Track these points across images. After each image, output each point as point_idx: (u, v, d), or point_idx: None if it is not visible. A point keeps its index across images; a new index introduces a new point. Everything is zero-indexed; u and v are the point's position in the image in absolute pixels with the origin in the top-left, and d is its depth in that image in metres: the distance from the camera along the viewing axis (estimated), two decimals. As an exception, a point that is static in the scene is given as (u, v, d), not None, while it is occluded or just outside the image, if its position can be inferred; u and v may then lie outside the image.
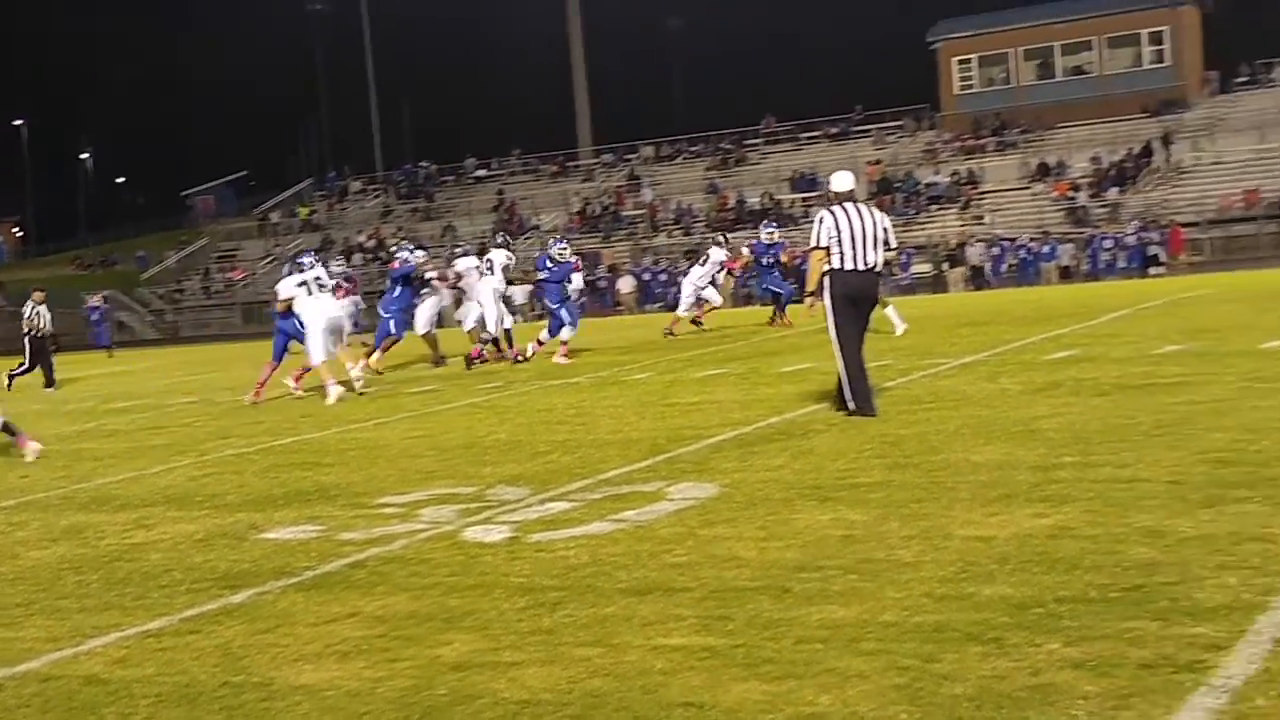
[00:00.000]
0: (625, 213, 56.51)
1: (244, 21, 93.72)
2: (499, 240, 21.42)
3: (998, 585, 5.08)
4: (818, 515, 6.64)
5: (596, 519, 7.00)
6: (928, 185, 50.75)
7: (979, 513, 6.38)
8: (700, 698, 4.14)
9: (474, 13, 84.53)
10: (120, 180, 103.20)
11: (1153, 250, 41.12)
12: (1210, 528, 5.70)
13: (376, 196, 67.83)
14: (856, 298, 10.10)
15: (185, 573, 6.58)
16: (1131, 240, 41.93)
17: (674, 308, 26.55)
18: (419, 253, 20.71)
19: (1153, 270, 40.22)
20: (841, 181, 10.40)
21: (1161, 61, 53.32)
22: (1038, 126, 52.63)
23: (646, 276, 47.81)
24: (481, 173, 66.59)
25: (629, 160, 62.95)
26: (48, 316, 23.59)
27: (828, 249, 10.02)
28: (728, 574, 5.61)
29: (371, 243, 59.38)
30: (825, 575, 5.45)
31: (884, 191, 49.99)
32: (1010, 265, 42.77)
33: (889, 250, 10.32)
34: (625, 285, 47.21)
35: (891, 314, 18.24)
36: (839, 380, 10.15)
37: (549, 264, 19.20)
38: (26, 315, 23.58)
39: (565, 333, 18.83)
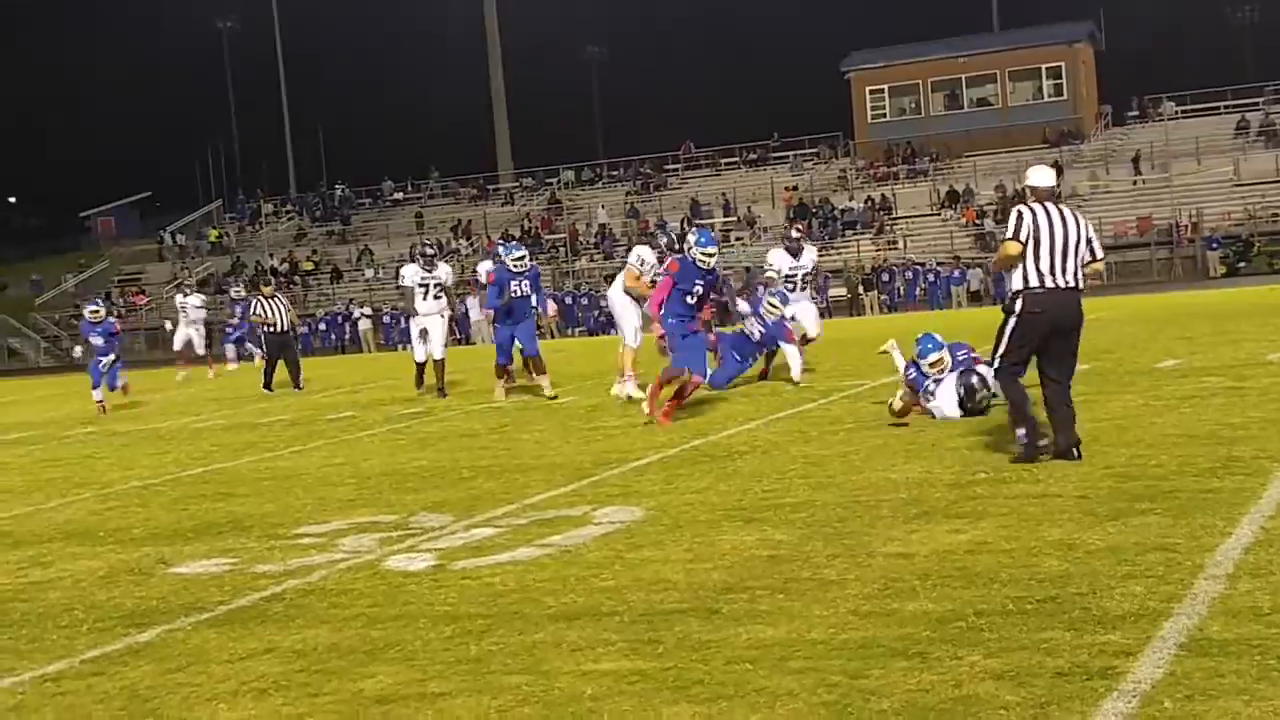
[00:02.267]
0: (547, 236, 56.50)
1: (150, 37, 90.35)
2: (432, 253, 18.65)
3: (920, 601, 5.20)
4: (744, 536, 6.71)
5: (522, 544, 6.97)
6: (843, 211, 51.46)
7: (900, 530, 6.51)
8: (632, 720, 4.17)
9: (392, 34, 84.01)
10: (11, 200, 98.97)
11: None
12: (1117, 539, 5.88)
13: (290, 219, 66.83)
14: (1056, 326, 8.09)
15: (87, 611, 6.27)
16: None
17: (595, 331, 25.20)
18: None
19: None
20: (1042, 176, 8.39)
21: (1060, 95, 55.15)
22: (946, 155, 53.74)
23: (568, 300, 47.79)
24: (399, 195, 66.07)
25: (549, 184, 62.92)
26: (282, 311, 21.16)
27: (1024, 246, 8.04)
28: (656, 597, 5.64)
29: (285, 266, 58.68)
30: (752, 595, 5.52)
31: (800, 217, 50.53)
32: (922, 289, 43.47)
33: (1094, 262, 8.33)
34: (548, 309, 47.09)
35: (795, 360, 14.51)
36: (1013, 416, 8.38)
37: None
38: (253, 311, 21.61)
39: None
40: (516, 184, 64.89)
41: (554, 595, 5.84)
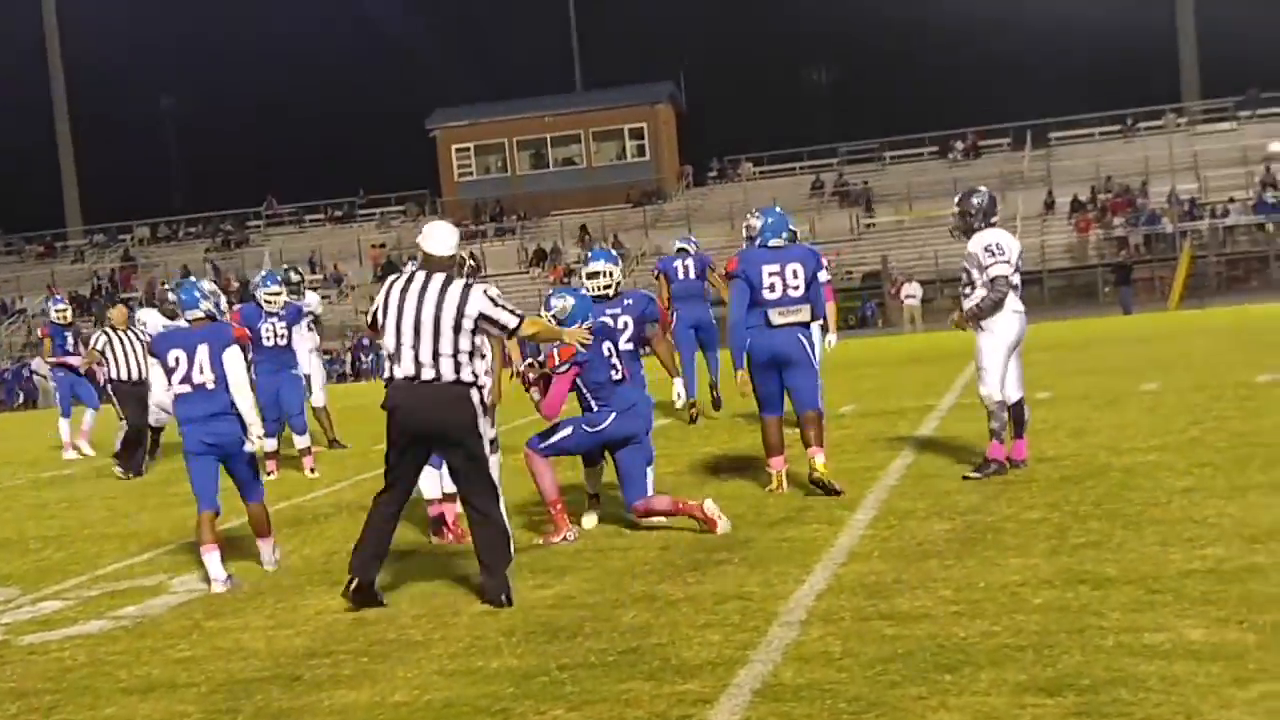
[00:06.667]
0: (124, 296, 53.89)
1: None
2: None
3: (504, 657, 5.28)
4: (328, 600, 6.63)
5: (94, 617, 6.72)
6: (431, 269, 51.65)
7: (486, 588, 6.57)
8: (209, 794, 4.06)
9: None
10: None
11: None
12: (696, 590, 6.14)
13: None
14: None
15: None
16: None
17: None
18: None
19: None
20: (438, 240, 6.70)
21: (642, 155, 57.46)
22: (534, 213, 54.97)
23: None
24: (-42, 252, 61.79)
25: (122, 240, 60.25)
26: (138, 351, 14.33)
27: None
28: (235, 666, 5.51)
29: None
30: (336, 660, 5.46)
31: (389, 274, 50.39)
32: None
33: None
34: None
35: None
36: None
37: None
38: (95, 346, 14.90)
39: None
40: (87, 241, 61.84)
41: (127, 668, 5.61)
